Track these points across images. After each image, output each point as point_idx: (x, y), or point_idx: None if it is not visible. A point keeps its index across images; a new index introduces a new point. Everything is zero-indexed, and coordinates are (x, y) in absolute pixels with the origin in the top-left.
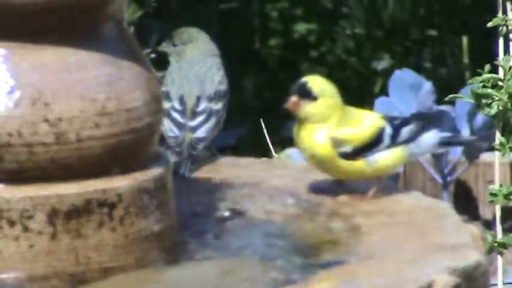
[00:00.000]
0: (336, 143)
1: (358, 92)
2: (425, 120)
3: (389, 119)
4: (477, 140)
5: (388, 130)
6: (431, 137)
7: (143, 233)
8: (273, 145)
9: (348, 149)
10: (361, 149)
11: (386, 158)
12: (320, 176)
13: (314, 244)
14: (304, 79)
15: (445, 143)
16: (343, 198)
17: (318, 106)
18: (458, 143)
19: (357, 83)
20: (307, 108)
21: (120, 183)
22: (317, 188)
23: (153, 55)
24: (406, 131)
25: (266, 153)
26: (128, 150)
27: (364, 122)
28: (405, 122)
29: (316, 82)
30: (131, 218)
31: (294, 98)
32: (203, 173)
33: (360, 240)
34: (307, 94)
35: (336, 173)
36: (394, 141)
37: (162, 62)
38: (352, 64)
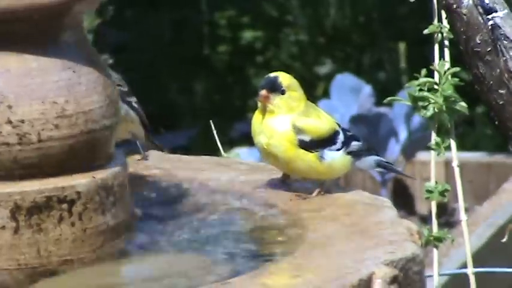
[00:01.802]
0: (298, 130)
1: None
2: (370, 147)
3: (343, 129)
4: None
5: (341, 136)
6: (372, 160)
7: (100, 228)
8: (222, 145)
9: (306, 138)
10: (316, 142)
11: (336, 160)
12: (267, 175)
13: (259, 240)
14: (274, 74)
15: (381, 166)
16: (289, 195)
17: (286, 98)
18: (392, 170)
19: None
20: (276, 100)
21: (79, 181)
22: (263, 186)
23: (110, 61)
24: (355, 145)
25: (215, 153)
26: (86, 150)
27: (323, 119)
28: (355, 137)
29: (284, 77)
30: (89, 214)
31: (264, 92)
32: (154, 170)
33: (304, 236)
34: (276, 88)
35: (289, 163)
36: (344, 148)
37: (119, 66)
38: (296, 69)
